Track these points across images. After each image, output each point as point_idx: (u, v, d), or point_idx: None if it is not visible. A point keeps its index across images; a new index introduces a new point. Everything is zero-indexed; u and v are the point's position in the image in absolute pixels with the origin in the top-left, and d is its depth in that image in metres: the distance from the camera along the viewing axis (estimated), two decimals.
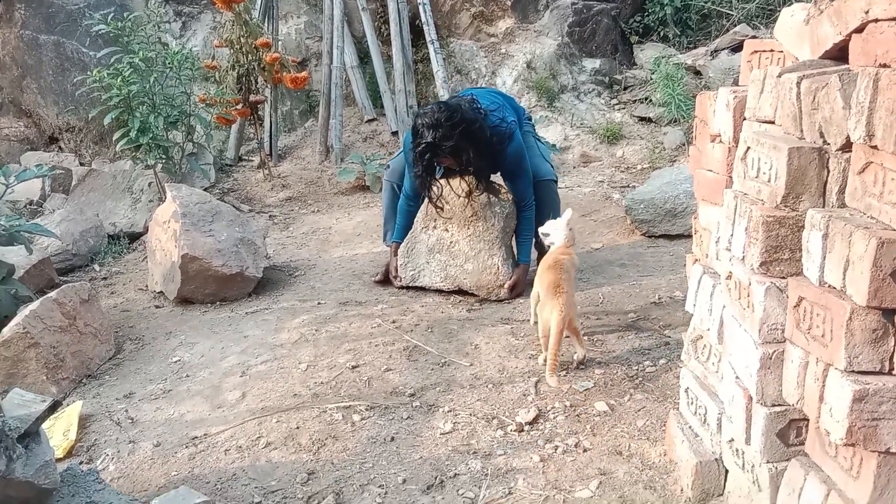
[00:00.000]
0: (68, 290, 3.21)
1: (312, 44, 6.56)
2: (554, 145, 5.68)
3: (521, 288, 3.55)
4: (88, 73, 4.95)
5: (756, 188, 1.91)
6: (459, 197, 3.54)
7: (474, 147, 3.36)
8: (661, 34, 6.78)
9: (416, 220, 3.70)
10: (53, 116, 6.49)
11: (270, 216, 5.20)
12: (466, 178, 3.53)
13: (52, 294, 3.15)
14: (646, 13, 6.83)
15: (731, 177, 2.25)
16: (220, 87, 5.41)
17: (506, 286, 3.51)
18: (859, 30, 1.77)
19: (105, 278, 4.41)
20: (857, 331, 1.54)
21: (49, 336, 3.03)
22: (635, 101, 6.19)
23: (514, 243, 3.67)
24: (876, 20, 1.68)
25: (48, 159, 6.06)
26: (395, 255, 3.73)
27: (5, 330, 3.02)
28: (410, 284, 3.69)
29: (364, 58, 6.46)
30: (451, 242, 3.62)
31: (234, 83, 5.36)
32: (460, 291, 3.65)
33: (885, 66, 1.63)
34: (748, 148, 1.97)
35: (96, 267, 4.58)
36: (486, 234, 3.56)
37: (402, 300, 3.62)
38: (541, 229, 3.11)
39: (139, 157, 5.07)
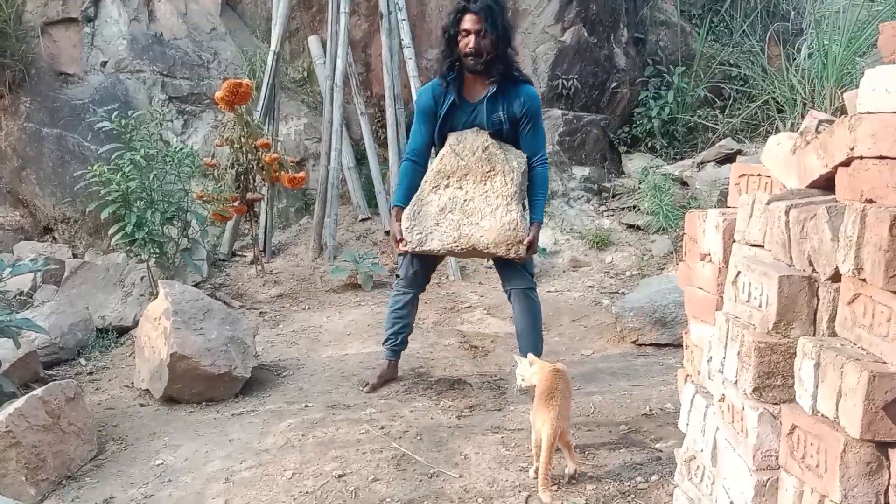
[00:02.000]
0: (54, 388, 3.17)
1: (311, 144, 6.72)
2: (544, 249, 5.76)
3: (535, 247, 3.42)
4: (89, 166, 5.03)
5: (747, 312, 1.95)
6: (475, 153, 3.39)
7: (499, 30, 3.31)
8: (649, 145, 7.00)
9: (424, 179, 3.49)
10: (50, 207, 6.56)
11: (261, 313, 5.20)
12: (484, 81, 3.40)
13: (38, 392, 3.11)
14: (634, 125, 7.06)
15: (721, 297, 2.28)
16: (218, 184, 5.49)
17: (525, 242, 3.33)
18: (845, 164, 1.84)
19: (91, 373, 4.36)
20: (851, 463, 1.54)
21: (32, 435, 2.97)
22: (624, 208, 6.33)
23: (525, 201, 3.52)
24: (861, 157, 1.75)
25: (42, 249, 6.08)
26: (398, 219, 3.49)
27: None
28: (417, 249, 3.44)
29: (361, 159, 6.61)
30: (465, 200, 3.40)
31: (232, 181, 5.45)
32: (450, 392, 3.63)
33: (871, 201, 1.69)
34: (738, 272, 2.02)
35: (83, 361, 4.53)
36: (504, 189, 3.36)
37: (392, 404, 3.58)
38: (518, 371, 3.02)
39: (133, 251, 5.10)
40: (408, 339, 3.87)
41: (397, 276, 3.68)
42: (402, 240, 3.46)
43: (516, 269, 3.53)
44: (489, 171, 3.40)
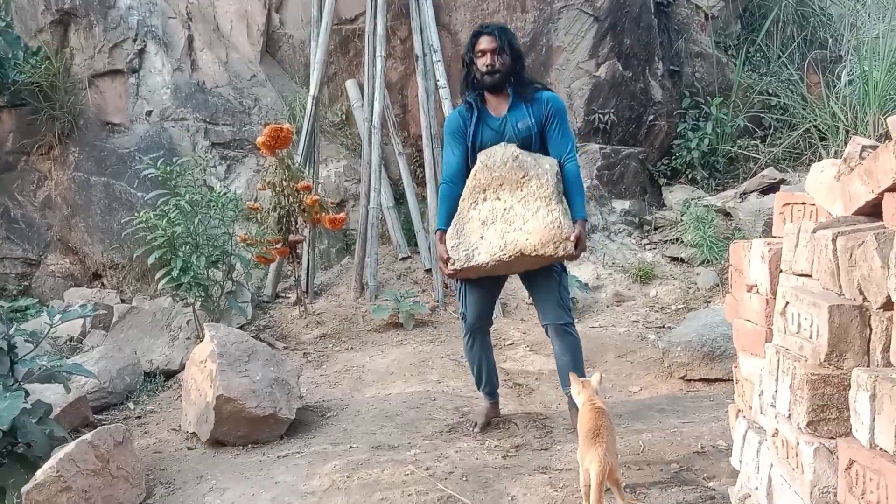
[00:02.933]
0: (103, 433, 3.22)
1: (350, 186, 6.80)
2: (586, 284, 5.72)
3: (584, 244, 3.38)
4: (135, 213, 5.16)
5: (798, 344, 1.90)
6: (506, 163, 3.41)
7: (515, 49, 3.52)
8: (690, 177, 6.93)
9: (462, 198, 3.49)
10: (98, 254, 6.72)
11: (305, 354, 5.23)
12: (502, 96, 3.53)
13: (87, 436, 3.16)
14: (673, 157, 7.02)
15: (770, 328, 2.24)
16: (261, 227, 5.58)
17: (572, 238, 3.28)
18: (892, 189, 1.80)
19: (139, 417, 4.42)
20: None
21: (82, 480, 3.01)
22: (666, 241, 6.26)
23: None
24: None
25: (90, 295, 6.22)
26: (442, 241, 3.49)
27: (39, 473, 3.01)
28: (465, 265, 3.38)
29: (399, 199, 6.67)
30: (504, 209, 3.38)
31: (274, 224, 5.53)
32: (495, 431, 3.60)
33: None
34: (787, 303, 1.98)
35: (131, 405, 4.60)
36: (541, 191, 3.34)
37: (436, 444, 3.56)
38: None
39: (179, 295, 5.19)
40: (496, 376, 3.81)
41: (462, 316, 3.65)
42: (448, 259, 3.45)
43: (553, 303, 3.49)
44: (523, 176, 3.39)
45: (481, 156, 3.49)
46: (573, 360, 3.52)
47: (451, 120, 3.66)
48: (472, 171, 3.50)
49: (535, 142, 3.52)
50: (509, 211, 3.38)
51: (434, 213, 6.18)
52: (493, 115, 3.56)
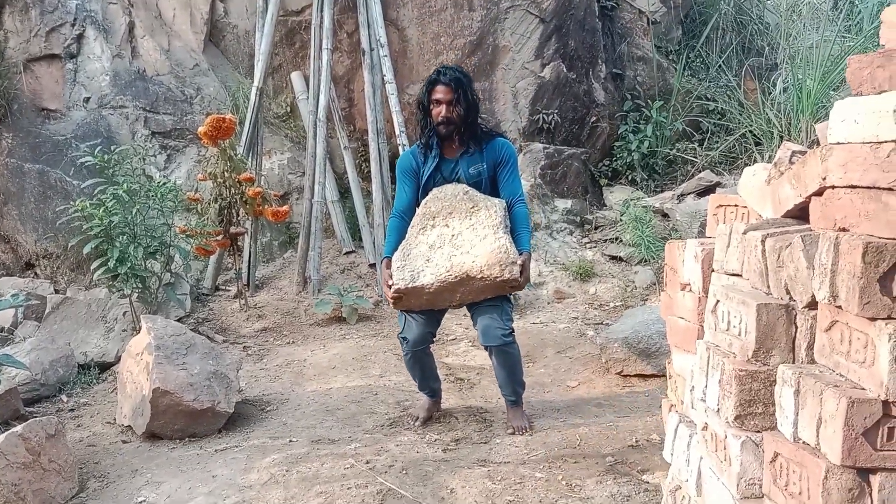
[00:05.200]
0: (35, 425, 3.13)
1: (294, 178, 6.75)
2: (528, 281, 5.78)
3: (527, 276, 3.43)
4: (71, 201, 5.02)
5: (727, 341, 1.97)
6: (456, 196, 3.48)
7: (469, 100, 3.53)
8: (630, 178, 7.08)
9: (411, 226, 3.53)
10: (32, 243, 6.52)
11: (245, 347, 5.17)
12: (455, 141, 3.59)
13: (18, 429, 3.07)
14: (614, 158, 7.16)
15: (702, 326, 2.32)
16: (201, 218, 5.49)
17: (518, 262, 3.33)
18: (818, 193, 1.88)
19: (72, 410, 4.31)
20: (833, 490, 1.56)
21: (11, 473, 2.93)
22: (606, 240, 6.38)
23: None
24: (833, 186, 1.79)
25: (23, 285, 6.03)
26: (388, 268, 3.49)
27: None
28: (409, 286, 3.35)
29: (344, 193, 6.64)
30: (452, 235, 3.43)
31: (215, 215, 5.45)
32: (436, 425, 3.63)
33: (844, 229, 1.73)
34: (718, 301, 2.05)
35: (64, 397, 4.48)
36: (489, 220, 3.41)
37: (377, 438, 3.57)
38: None
39: (116, 286, 5.07)
40: (437, 379, 3.83)
41: (403, 338, 3.62)
42: (390, 286, 3.43)
43: (493, 320, 3.48)
44: (472, 206, 3.46)
45: (433, 190, 3.57)
46: (511, 373, 3.58)
47: (404, 158, 3.73)
48: (423, 202, 3.56)
49: (486, 186, 3.60)
50: (458, 237, 3.43)
51: (379, 208, 6.19)
52: (447, 157, 3.64)
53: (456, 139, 3.61)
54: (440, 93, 3.52)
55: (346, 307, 5.55)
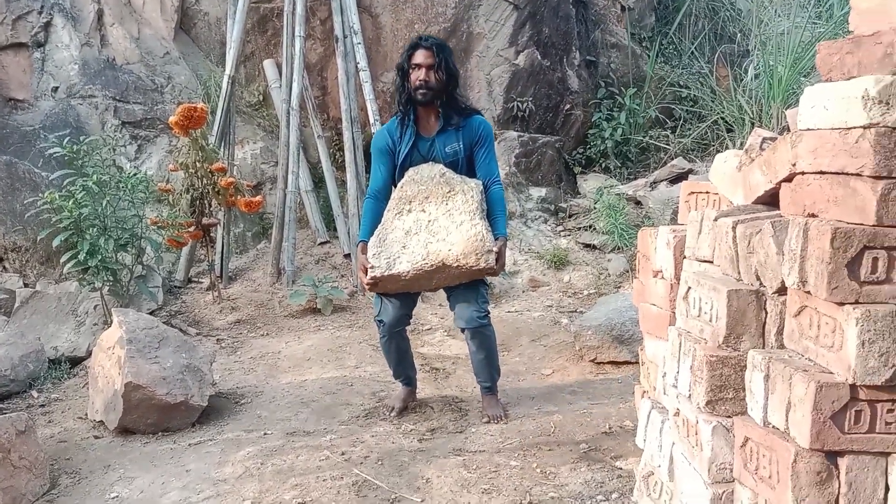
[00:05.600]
0: (4, 422, 3.07)
1: (268, 168, 6.68)
2: (504, 270, 5.79)
3: (503, 262, 3.43)
4: (40, 193, 4.93)
5: (699, 327, 1.98)
6: (433, 178, 3.44)
7: (450, 68, 3.48)
8: (603, 165, 7.11)
9: (387, 209, 3.50)
10: (0, 236, 6.40)
11: (218, 340, 5.12)
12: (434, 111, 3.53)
13: None
14: (588, 146, 7.17)
15: (673, 312, 2.33)
16: (173, 209, 5.43)
17: (494, 250, 3.33)
18: (788, 179, 1.90)
19: (43, 405, 4.24)
20: (802, 473, 1.57)
21: None
22: (580, 228, 6.40)
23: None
24: (802, 172, 1.80)
25: None
26: (364, 252, 3.46)
27: None
28: (385, 273, 3.36)
29: (318, 182, 6.59)
30: (429, 221, 3.41)
31: (187, 206, 5.39)
32: (411, 415, 3.63)
33: (813, 215, 1.74)
34: (689, 288, 2.06)
35: (34, 393, 4.41)
36: (466, 205, 3.39)
37: (352, 429, 3.55)
38: None
39: (86, 279, 5.00)
40: (413, 367, 3.82)
41: (379, 321, 3.60)
42: (369, 268, 3.42)
43: (469, 303, 3.49)
44: (449, 191, 3.43)
45: (409, 171, 3.52)
46: (487, 358, 3.59)
47: (378, 137, 3.66)
48: (399, 184, 3.52)
49: (462, 165, 3.56)
50: (434, 223, 3.41)
51: (353, 197, 6.15)
52: (424, 135, 3.57)
53: (433, 112, 3.54)
54: (421, 56, 3.45)
55: (321, 298, 5.52)
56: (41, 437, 3.50)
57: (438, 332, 5.08)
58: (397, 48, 6.59)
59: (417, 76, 3.45)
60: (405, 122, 3.55)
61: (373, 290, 3.55)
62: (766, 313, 1.85)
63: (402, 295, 3.55)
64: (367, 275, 3.40)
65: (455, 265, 3.34)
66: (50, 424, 3.96)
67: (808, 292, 1.65)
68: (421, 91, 3.45)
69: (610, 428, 3.40)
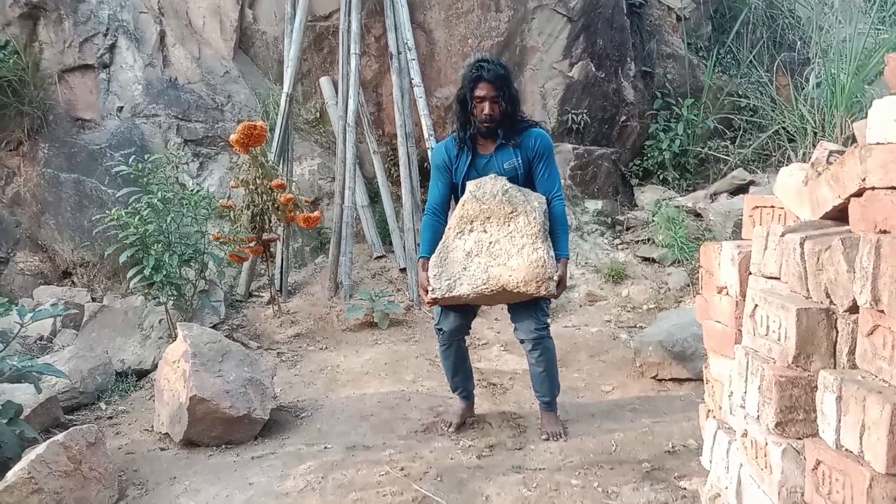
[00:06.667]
0: (75, 434, 3.18)
1: (325, 184, 6.78)
2: None
3: (565, 283, 3.42)
4: (106, 210, 5.09)
5: (767, 346, 1.94)
6: (495, 196, 3.41)
7: (512, 96, 3.47)
8: (661, 177, 7.02)
9: (448, 227, 3.51)
10: (69, 252, 6.63)
11: (279, 353, 5.21)
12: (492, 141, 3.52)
13: (60, 437, 3.12)
14: (645, 157, 7.10)
15: (739, 330, 2.28)
16: (234, 225, 5.55)
17: (555, 277, 3.32)
18: (857, 194, 1.85)
19: (111, 417, 4.37)
20: (878, 498, 1.53)
21: (53, 481, 2.98)
22: (638, 241, 6.33)
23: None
24: (873, 188, 1.75)
25: (61, 294, 6.14)
26: (425, 269, 3.49)
27: (9, 474, 2.97)
28: (446, 295, 3.38)
29: (374, 197, 6.67)
30: (490, 243, 3.39)
31: (248, 222, 5.51)
32: (470, 431, 3.63)
33: (885, 231, 1.69)
34: (756, 305, 2.02)
35: (102, 405, 4.55)
36: (528, 228, 3.36)
37: (411, 444, 3.57)
38: None
39: (151, 294, 5.14)
40: (472, 380, 3.83)
41: (439, 329, 3.63)
42: (429, 288, 3.44)
43: (529, 315, 3.50)
44: (511, 212, 3.41)
45: (470, 185, 3.49)
46: (547, 371, 3.57)
47: (437, 153, 3.68)
48: (461, 201, 3.51)
49: (521, 181, 3.54)
50: (495, 245, 3.40)
51: (409, 212, 6.20)
52: (481, 153, 3.58)
53: (494, 134, 3.54)
54: (484, 89, 3.43)
55: (378, 312, 5.57)
56: (109, 449, 3.60)
57: (495, 347, 5.07)
58: (451, 63, 6.65)
59: (482, 109, 3.44)
60: (463, 140, 3.56)
61: (433, 305, 3.58)
62: (837, 332, 1.80)
63: (462, 305, 3.57)
64: (427, 294, 3.43)
65: (515, 291, 3.34)
66: (118, 436, 4.07)
67: (882, 311, 1.60)
68: (486, 125, 3.47)
69: (673, 447, 3.34)
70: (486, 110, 3.43)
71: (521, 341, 3.60)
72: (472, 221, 3.45)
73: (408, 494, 3.00)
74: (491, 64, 3.46)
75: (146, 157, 5.34)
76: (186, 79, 6.93)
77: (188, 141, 6.79)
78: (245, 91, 6.96)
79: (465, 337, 3.70)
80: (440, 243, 3.49)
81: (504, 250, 3.37)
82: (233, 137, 5.28)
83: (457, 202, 3.59)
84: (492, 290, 3.35)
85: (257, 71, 7.16)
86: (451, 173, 3.61)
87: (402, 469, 3.25)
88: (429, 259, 3.50)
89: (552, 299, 3.51)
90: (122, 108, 6.82)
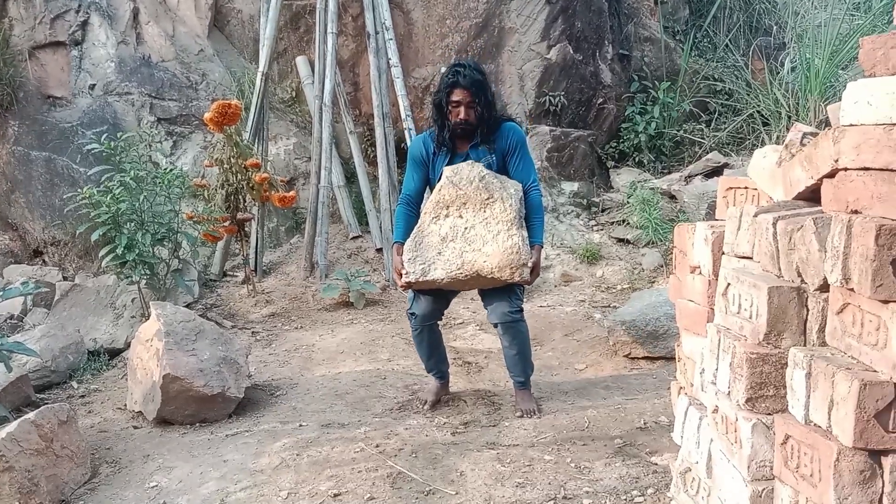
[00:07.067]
0: (47, 412, 3.15)
1: (301, 164, 6.74)
2: None
3: (538, 272, 3.46)
4: (78, 189, 5.03)
5: (738, 324, 1.97)
6: (472, 182, 3.42)
7: (488, 101, 3.50)
8: (636, 160, 7.05)
9: (424, 211, 3.52)
10: (40, 230, 6.54)
11: (253, 332, 5.19)
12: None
13: (31, 415, 3.09)
14: (621, 140, 7.12)
15: (712, 308, 2.31)
16: (208, 204, 5.50)
17: (529, 264, 3.35)
18: (830, 175, 1.87)
19: (83, 396, 4.34)
20: (844, 472, 1.56)
21: (24, 459, 2.95)
22: (613, 222, 6.37)
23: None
24: (845, 169, 1.78)
25: (32, 272, 6.06)
26: (399, 254, 3.51)
27: None
28: (420, 279, 3.40)
29: (350, 177, 6.64)
30: (465, 228, 3.41)
31: (222, 201, 5.46)
32: (444, 408, 3.65)
33: (856, 212, 1.72)
34: (728, 284, 2.04)
35: (74, 384, 4.51)
36: (503, 214, 3.38)
37: (386, 422, 3.58)
38: None
39: (124, 273, 5.09)
40: (446, 361, 3.85)
41: (412, 314, 3.64)
42: (402, 274, 3.46)
43: (503, 298, 3.51)
44: (487, 198, 3.41)
45: (447, 171, 3.50)
46: (520, 352, 3.60)
47: (415, 145, 3.71)
48: (438, 186, 3.52)
49: (498, 172, 3.56)
50: (470, 230, 3.41)
51: (385, 192, 6.18)
52: (458, 150, 3.61)
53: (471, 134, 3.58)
54: (459, 95, 3.47)
55: (354, 292, 5.56)
56: (82, 427, 3.58)
57: (471, 326, 5.09)
58: (429, 44, 6.61)
59: (457, 114, 3.48)
60: (442, 142, 3.59)
61: (406, 290, 3.60)
62: (808, 310, 1.83)
63: (435, 291, 3.58)
64: (401, 278, 3.45)
65: (489, 276, 3.37)
66: (90, 415, 4.05)
67: (852, 290, 1.63)
68: (461, 128, 3.51)
69: (645, 423, 3.39)
70: (462, 115, 3.47)
71: (494, 325, 3.61)
72: (448, 207, 3.46)
73: (383, 471, 3.02)
74: (468, 69, 3.49)
75: (119, 136, 5.27)
76: (160, 57, 6.84)
77: (161, 119, 6.71)
78: (220, 70, 6.88)
79: (439, 322, 3.71)
80: (415, 228, 3.51)
81: (479, 236, 3.39)
82: (207, 116, 5.23)
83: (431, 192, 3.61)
84: (466, 276, 3.37)
85: (232, 49, 7.08)
86: (428, 168, 3.65)
87: (377, 446, 3.27)
88: (403, 244, 3.51)
89: (527, 285, 3.53)
90: (94, 85, 6.72)
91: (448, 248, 3.41)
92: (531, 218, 3.51)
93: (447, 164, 3.57)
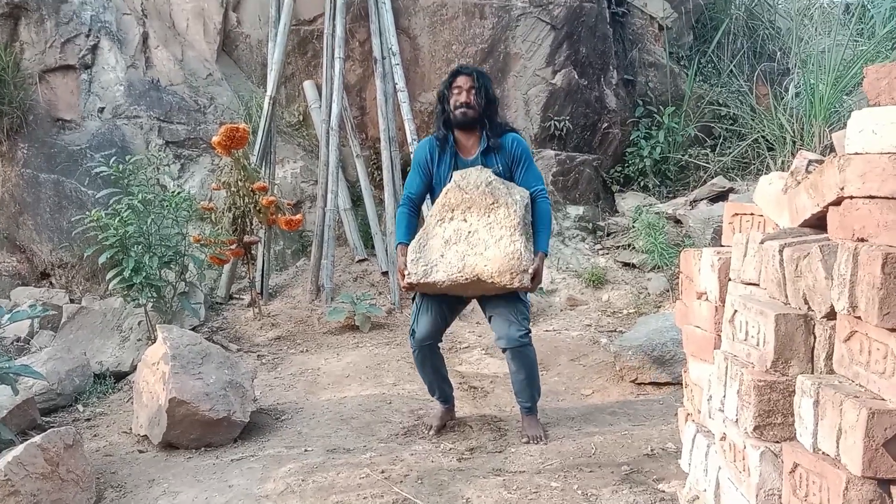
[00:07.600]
0: (53, 436, 3.15)
1: (307, 187, 6.77)
2: (542, 288, 5.78)
3: (539, 279, 3.46)
4: (86, 211, 5.05)
5: (745, 351, 1.97)
6: (479, 187, 3.43)
7: (489, 94, 3.57)
8: (642, 184, 7.07)
9: (430, 213, 3.54)
10: (47, 252, 6.57)
11: (259, 356, 5.19)
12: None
13: (37, 439, 3.09)
14: (626, 164, 7.15)
15: (718, 335, 2.31)
16: (215, 227, 5.53)
17: (530, 270, 3.34)
18: (836, 203, 1.88)
19: (89, 419, 4.34)
20: (853, 501, 1.55)
21: (30, 483, 2.95)
22: (618, 247, 6.37)
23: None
24: (851, 197, 1.79)
25: (39, 295, 6.08)
26: (403, 254, 3.53)
27: None
28: (421, 280, 3.41)
29: (357, 201, 6.67)
30: (469, 232, 3.42)
31: (229, 224, 5.49)
32: (450, 434, 3.64)
33: (862, 240, 1.73)
34: (735, 311, 2.04)
35: (80, 407, 4.51)
36: (507, 220, 3.38)
37: (391, 447, 3.57)
38: None
39: (131, 296, 5.10)
40: (449, 384, 3.83)
41: (411, 332, 3.64)
42: (405, 274, 3.48)
43: (509, 321, 3.49)
44: (492, 203, 3.43)
45: (456, 175, 3.53)
46: (528, 378, 3.58)
47: (420, 149, 3.74)
48: (445, 189, 3.54)
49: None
50: (473, 234, 3.43)
51: (391, 216, 6.20)
52: (463, 157, 3.64)
53: (474, 137, 3.61)
54: (461, 80, 3.54)
55: (359, 315, 5.56)
56: (87, 451, 3.57)
57: (476, 351, 5.08)
58: (435, 69, 6.66)
59: (458, 97, 3.53)
60: (445, 144, 3.61)
61: (410, 291, 3.64)
62: (815, 338, 1.83)
63: (438, 310, 3.59)
64: (404, 278, 3.48)
65: (489, 281, 3.38)
66: (95, 438, 4.04)
67: (859, 318, 1.63)
68: (461, 111, 3.53)
69: (652, 450, 3.37)
70: (463, 98, 3.52)
71: (503, 350, 3.60)
72: (453, 210, 3.48)
73: (388, 497, 3.00)
74: (471, 65, 3.56)
75: (127, 159, 5.30)
76: (169, 80, 6.90)
77: (170, 142, 6.75)
78: (228, 93, 6.94)
79: (438, 344, 3.71)
80: (421, 229, 3.54)
81: (482, 240, 3.40)
82: (215, 139, 5.27)
83: (433, 201, 3.63)
84: (466, 279, 3.38)
85: (240, 74, 7.14)
86: (430, 173, 3.67)
87: (382, 472, 3.25)
88: (407, 245, 3.55)
89: (530, 297, 3.55)
90: (103, 108, 6.77)
91: (450, 250, 3.43)
92: (538, 226, 3.52)
93: (454, 169, 3.59)
